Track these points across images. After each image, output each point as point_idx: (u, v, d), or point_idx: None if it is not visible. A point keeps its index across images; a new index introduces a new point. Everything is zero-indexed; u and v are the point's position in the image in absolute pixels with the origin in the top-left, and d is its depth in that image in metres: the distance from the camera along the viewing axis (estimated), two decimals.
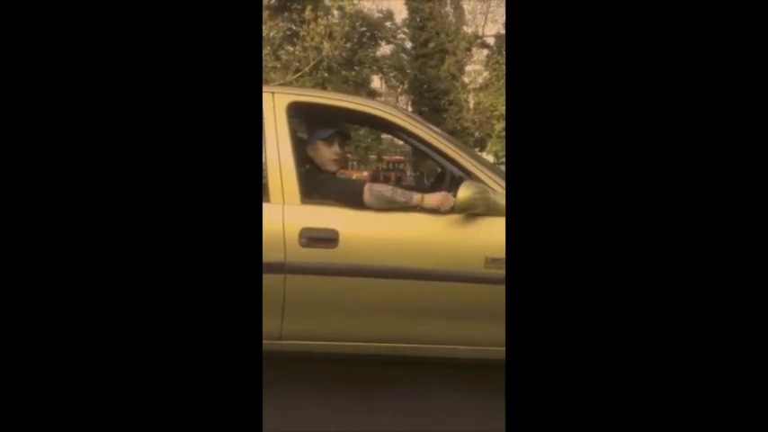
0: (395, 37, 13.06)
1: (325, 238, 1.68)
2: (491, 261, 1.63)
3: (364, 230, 1.71)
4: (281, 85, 7.43)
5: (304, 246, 1.68)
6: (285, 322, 1.74)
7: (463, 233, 1.69)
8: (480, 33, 12.96)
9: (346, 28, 8.38)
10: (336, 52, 8.01)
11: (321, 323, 1.74)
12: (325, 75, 9.62)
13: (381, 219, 1.73)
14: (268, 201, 1.75)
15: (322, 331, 1.73)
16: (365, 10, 11.90)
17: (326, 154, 1.89)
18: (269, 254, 1.69)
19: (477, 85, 11.68)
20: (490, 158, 13.00)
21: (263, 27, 7.37)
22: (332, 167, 1.89)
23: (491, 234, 1.65)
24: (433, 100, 13.11)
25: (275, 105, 1.80)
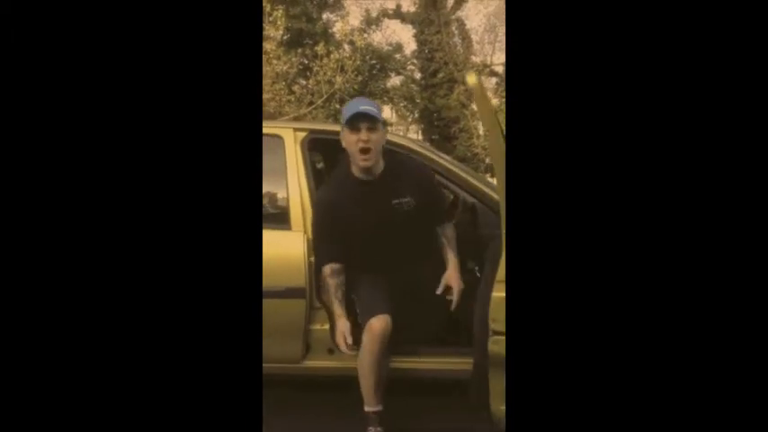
0: (404, 68, 13.32)
1: None
2: None
3: None
4: (296, 118, 7.64)
5: None
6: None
7: None
8: (488, 62, 13.17)
9: (357, 62, 8.61)
10: (348, 85, 8.23)
11: None
12: (338, 107, 9.84)
13: None
14: (290, 229, 1.85)
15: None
16: (375, 43, 12.21)
17: (351, 140, 1.70)
18: (292, 279, 1.78)
19: None
20: None
21: (278, 62, 7.62)
22: (359, 158, 1.69)
23: None
24: (443, 128, 13.24)
25: (295, 140, 1.93)
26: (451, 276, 1.74)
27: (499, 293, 1.22)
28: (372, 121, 1.68)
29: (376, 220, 1.72)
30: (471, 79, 1.41)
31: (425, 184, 1.80)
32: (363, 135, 1.67)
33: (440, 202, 1.89)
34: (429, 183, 1.83)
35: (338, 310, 1.71)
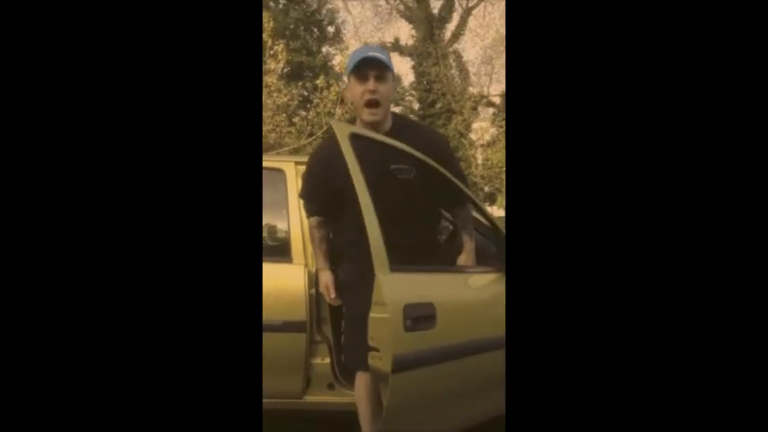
0: (403, 99, 13.58)
1: None
2: None
3: None
4: (296, 149, 7.72)
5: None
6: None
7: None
8: (486, 93, 13.43)
9: None
10: (347, 116, 8.35)
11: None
12: None
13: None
14: (291, 262, 1.85)
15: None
16: None
17: (357, 91, 1.50)
18: (292, 313, 1.77)
19: (485, 142, 11.99)
20: (501, 213, 12.99)
21: (278, 95, 7.75)
22: (364, 112, 1.51)
23: None
24: None
25: (297, 173, 1.95)
26: (465, 262, 1.58)
27: (375, 315, 1.30)
28: (382, 69, 1.47)
29: (370, 184, 1.40)
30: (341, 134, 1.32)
31: (438, 155, 1.52)
32: (371, 85, 1.47)
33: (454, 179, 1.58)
34: (442, 154, 1.55)
35: (321, 263, 1.69)
